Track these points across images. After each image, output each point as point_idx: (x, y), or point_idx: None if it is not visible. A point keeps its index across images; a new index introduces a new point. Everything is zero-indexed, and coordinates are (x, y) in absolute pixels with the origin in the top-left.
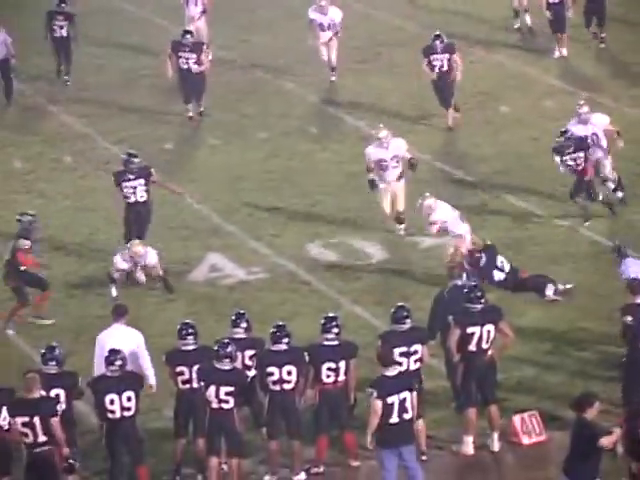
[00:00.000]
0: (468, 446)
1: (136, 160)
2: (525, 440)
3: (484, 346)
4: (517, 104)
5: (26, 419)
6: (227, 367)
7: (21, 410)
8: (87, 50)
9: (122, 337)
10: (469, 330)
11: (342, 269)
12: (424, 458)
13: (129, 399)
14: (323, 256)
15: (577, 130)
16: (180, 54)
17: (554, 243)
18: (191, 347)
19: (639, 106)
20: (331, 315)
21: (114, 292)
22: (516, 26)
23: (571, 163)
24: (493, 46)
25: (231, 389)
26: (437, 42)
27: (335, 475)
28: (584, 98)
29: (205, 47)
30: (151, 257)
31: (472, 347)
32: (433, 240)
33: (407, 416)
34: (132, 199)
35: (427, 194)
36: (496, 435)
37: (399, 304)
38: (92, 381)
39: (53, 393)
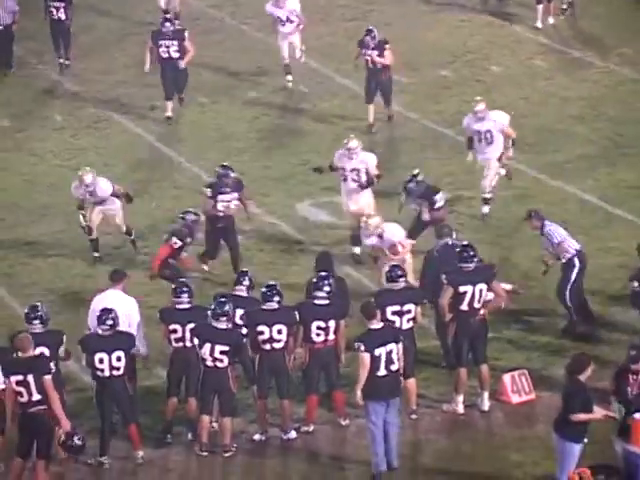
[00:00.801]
0: (458, 405)
1: (232, 174)
2: (515, 399)
3: (476, 305)
4: (507, 63)
5: (20, 377)
6: (223, 326)
7: (15, 369)
8: (77, 11)
9: (116, 302)
10: (461, 289)
11: (332, 228)
12: (414, 417)
13: (119, 359)
14: (313, 215)
15: (475, 126)
16: (160, 42)
17: (544, 202)
18: (185, 306)
19: (626, 64)
20: (323, 274)
21: (82, 221)
22: None
23: (417, 208)
24: (482, 5)
25: (226, 348)
26: (368, 38)
27: (324, 434)
28: (479, 99)
29: (187, 34)
30: (102, 188)
31: (464, 306)
32: None
33: (394, 367)
34: (224, 213)
35: (372, 213)
36: (486, 394)
37: (394, 263)
38: (82, 339)
39: (37, 352)
